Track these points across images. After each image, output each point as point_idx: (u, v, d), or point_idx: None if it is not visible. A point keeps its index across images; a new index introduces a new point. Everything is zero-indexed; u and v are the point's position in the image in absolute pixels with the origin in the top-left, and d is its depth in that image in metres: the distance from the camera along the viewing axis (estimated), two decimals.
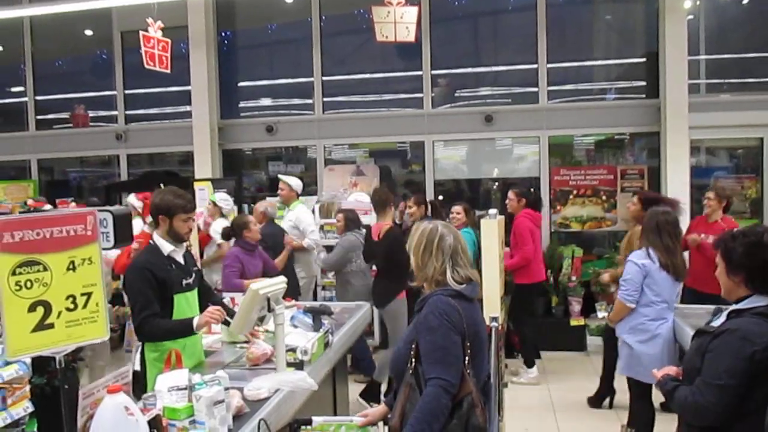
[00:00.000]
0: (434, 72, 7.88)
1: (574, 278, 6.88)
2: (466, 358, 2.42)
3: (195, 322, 3.24)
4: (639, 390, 4.13)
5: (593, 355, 6.51)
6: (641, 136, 7.57)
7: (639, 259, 4.02)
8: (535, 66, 7.57)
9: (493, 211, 4.60)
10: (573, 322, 6.79)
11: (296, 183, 6.55)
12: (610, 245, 7.33)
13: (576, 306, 6.80)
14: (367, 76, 8.52)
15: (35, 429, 2.73)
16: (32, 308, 2.04)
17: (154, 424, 2.27)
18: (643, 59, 7.59)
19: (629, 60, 7.85)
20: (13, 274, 1.99)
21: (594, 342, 6.67)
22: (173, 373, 2.56)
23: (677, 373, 2.59)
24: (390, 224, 5.55)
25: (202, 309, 3.51)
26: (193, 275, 3.52)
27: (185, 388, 2.48)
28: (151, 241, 3.46)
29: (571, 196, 7.38)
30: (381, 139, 8.16)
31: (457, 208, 6.16)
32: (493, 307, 4.02)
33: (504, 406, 3.98)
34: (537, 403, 5.54)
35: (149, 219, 4.48)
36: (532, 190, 6.86)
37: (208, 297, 3.67)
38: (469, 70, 8.17)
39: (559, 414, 5.26)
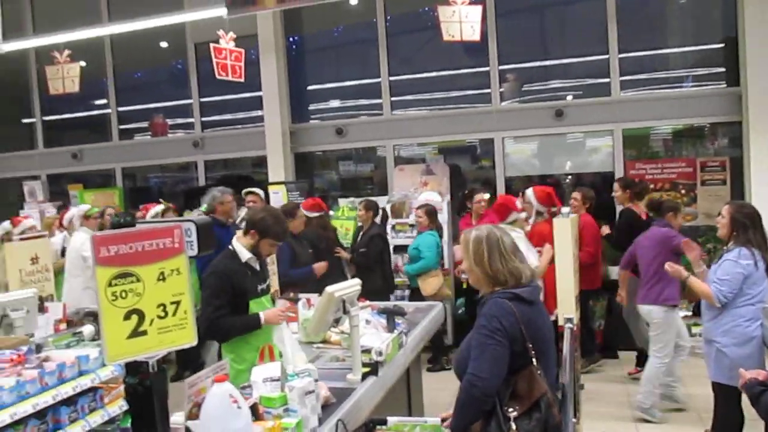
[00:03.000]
0: (501, 67, 7.79)
1: None
2: (533, 359, 2.42)
3: (262, 316, 3.41)
4: (730, 395, 3.84)
5: None
6: (722, 125, 7.24)
7: (743, 260, 3.77)
8: (606, 56, 7.36)
9: (565, 209, 4.54)
10: None
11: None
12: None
13: None
14: (434, 74, 8.52)
15: (128, 425, 2.91)
16: (127, 317, 2.18)
17: (252, 411, 2.41)
18: (722, 44, 7.26)
19: (706, 46, 7.52)
20: (110, 285, 2.13)
21: None
22: (267, 366, 2.74)
23: (766, 377, 2.50)
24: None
25: None
26: (267, 280, 3.66)
27: (278, 380, 2.63)
28: (230, 247, 3.58)
29: None
30: (450, 137, 8.15)
31: (419, 212, 6.18)
32: (567, 307, 3.96)
33: (581, 408, 3.92)
34: (616, 407, 5.40)
35: None
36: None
37: None
38: (537, 63, 8.05)
39: (638, 417, 5.12)
